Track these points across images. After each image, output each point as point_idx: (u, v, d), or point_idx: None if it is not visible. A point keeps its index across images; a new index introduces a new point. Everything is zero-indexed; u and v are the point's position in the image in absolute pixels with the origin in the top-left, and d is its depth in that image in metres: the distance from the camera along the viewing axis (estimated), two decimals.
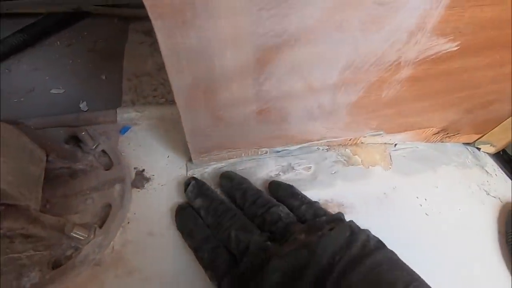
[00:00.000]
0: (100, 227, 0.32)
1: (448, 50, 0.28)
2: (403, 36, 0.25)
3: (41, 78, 0.45)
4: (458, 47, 0.28)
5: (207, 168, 0.39)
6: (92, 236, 0.31)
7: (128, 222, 0.34)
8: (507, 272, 0.34)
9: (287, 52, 0.24)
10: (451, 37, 0.27)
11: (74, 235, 0.29)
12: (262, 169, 0.39)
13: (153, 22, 0.19)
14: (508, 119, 0.43)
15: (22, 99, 0.43)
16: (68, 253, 0.31)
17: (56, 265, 0.30)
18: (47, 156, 0.32)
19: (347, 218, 0.36)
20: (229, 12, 0.20)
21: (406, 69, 0.30)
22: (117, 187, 0.34)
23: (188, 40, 0.21)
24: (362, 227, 0.36)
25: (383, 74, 0.30)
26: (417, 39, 0.26)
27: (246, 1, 0.19)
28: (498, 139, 0.47)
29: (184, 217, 0.32)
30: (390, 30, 0.24)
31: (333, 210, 0.36)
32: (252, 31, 0.22)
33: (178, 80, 0.24)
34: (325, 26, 0.22)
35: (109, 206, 0.33)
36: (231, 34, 0.21)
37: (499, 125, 0.44)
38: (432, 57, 0.29)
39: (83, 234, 0.30)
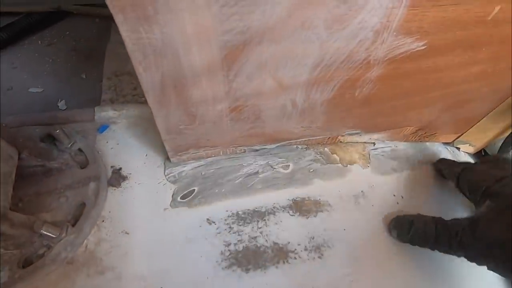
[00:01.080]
0: (73, 225, 0.32)
1: (416, 49, 0.29)
2: (369, 34, 0.26)
3: (20, 76, 0.45)
4: (426, 46, 0.29)
5: (185, 166, 0.39)
6: (64, 235, 0.30)
7: (103, 221, 0.34)
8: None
9: (254, 50, 0.24)
10: (417, 36, 0.27)
11: (45, 233, 0.29)
12: (241, 167, 0.39)
13: (114, 16, 0.20)
14: (484, 119, 0.44)
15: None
16: (40, 251, 0.31)
17: (27, 263, 0.30)
18: (19, 154, 0.32)
19: (323, 215, 0.37)
20: (191, 8, 0.20)
21: (376, 67, 0.30)
22: (92, 185, 0.34)
23: (152, 35, 0.21)
24: (338, 224, 0.36)
25: (354, 72, 0.30)
26: (384, 38, 0.26)
27: None
28: (476, 138, 0.48)
29: None
30: (355, 29, 0.25)
31: (309, 207, 0.37)
32: (216, 28, 0.22)
33: (146, 77, 0.25)
34: (289, 24, 0.23)
35: (83, 204, 0.33)
36: (195, 30, 0.22)
37: (476, 125, 0.45)
38: (401, 56, 0.29)
39: (54, 232, 0.29)
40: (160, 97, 0.27)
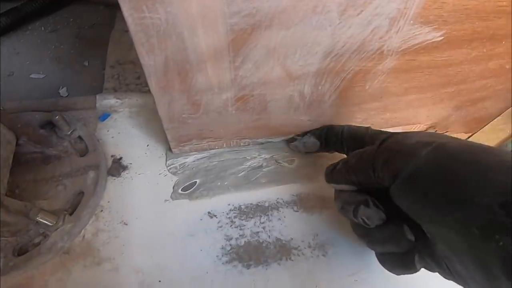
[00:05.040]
0: (71, 214, 0.31)
1: (432, 40, 0.27)
2: (384, 22, 0.24)
3: (22, 62, 0.44)
4: (443, 38, 0.27)
5: (187, 158, 0.38)
6: (60, 223, 0.30)
7: (102, 211, 0.33)
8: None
9: (262, 35, 0.23)
10: (435, 26, 0.26)
11: (41, 220, 0.28)
12: (244, 160, 0.38)
13: None
14: (497, 118, 0.42)
15: (0, 83, 0.41)
16: (36, 240, 0.30)
17: (22, 252, 0.29)
18: (17, 139, 0.31)
19: (328, 212, 0.36)
20: None
21: (389, 59, 0.29)
22: (91, 174, 0.33)
23: (156, 15, 0.20)
24: (342, 222, 0.35)
25: (366, 63, 0.29)
26: (399, 26, 0.25)
27: None
28: (488, 138, 0.46)
29: None
30: (370, 15, 0.23)
31: (314, 204, 0.36)
32: (223, 9, 0.21)
33: (148, 60, 0.23)
34: (299, 8, 0.21)
35: (81, 193, 0.32)
36: (201, 11, 0.20)
37: (489, 124, 0.44)
38: (416, 47, 0.28)
39: (50, 220, 0.29)
40: (163, 83, 0.26)
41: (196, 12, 0.21)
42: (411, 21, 0.25)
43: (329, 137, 0.35)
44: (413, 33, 0.26)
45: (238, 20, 0.22)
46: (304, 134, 0.37)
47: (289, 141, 0.38)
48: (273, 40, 0.24)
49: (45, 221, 0.28)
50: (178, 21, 0.21)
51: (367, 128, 0.33)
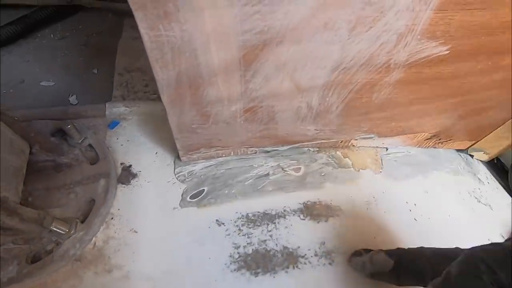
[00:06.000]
0: (82, 222, 0.31)
1: (438, 54, 0.28)
2: (392, 37, 0.25)
3: (32, 70, 0.45)
4: (449, 51, 0.28)
5: (195, 165, 0.38)
6: (73, 231, 0.30)
7: (112, 218, 0.33)
8: None
9: (273, 50, 0.24)
10: (441, 41, 0.26)
11: (54, 229, 0.29)
12: (251, 169, 0.39)
13: (134, 13, 0.19)
14: (501, 127, 0.43)
15: (11, 91, 0.42)
16: (49, 247, 0.30)
17: (35, 259, 0.30)
18: (30, 148, 0.32)
19: (334, 220, 0.36)
20: (212, 6, 0.20)
21: (396, 71, 0.29)
22: (102, 182, 0.34)
23: (171, 33, 0.21)
24: (349, 230, 0.36)
25: (373, 76, 0.29)
26: (407, 41, 0.26)
27: None
28: (491, 146, 0.46)
29: None
30: (378, 31, 0.24)
31: (320, 212, 0.36)
32: (237, 27, 0.21)
33: (162, 74, 0.24)
34: (311, 25, 0.22)
35: (92, 201, 0.33)
36: (215, 29, 0.21)
37: (493, 133, 0.44)
38: (423, 60, 0.28)
39: (63, 229, 0.29)
40: (174, 95, 0.27)
41: (210, 29, 0.21)
42: (419, 36, 0.26)
43: (405, 255, 0.29)
44: (420, 47, 0.27)
45: (250, 37, 0.22)
46: (369, 250, 0.30)
47: (352, 255, 0.32)
48: (283, 55, 0.24)
49: (58, 230, 0.29)
50: (192, 39, 0.21)
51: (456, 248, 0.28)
